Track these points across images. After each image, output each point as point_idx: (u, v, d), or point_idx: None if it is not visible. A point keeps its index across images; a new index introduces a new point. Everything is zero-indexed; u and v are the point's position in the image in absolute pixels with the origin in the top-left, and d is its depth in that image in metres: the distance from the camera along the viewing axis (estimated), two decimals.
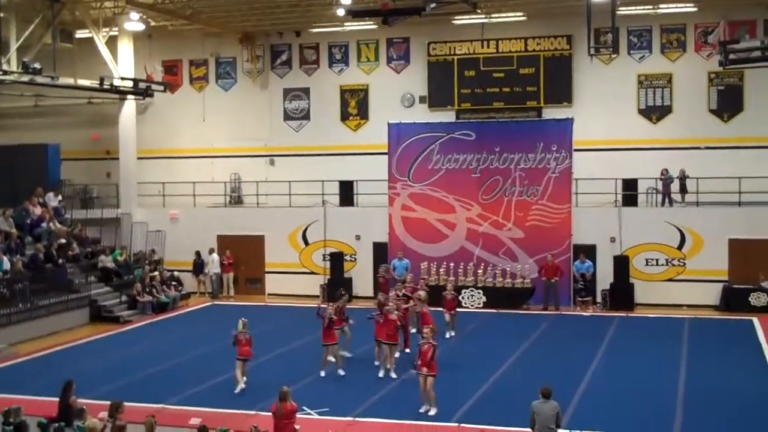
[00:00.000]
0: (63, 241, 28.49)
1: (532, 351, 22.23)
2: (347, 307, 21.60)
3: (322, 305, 20.20)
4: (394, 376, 19.45)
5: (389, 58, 32.52)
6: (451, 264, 28.54)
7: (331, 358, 19.87)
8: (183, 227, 32.19)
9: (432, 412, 16.76)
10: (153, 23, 31.69)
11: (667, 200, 28.61)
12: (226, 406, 17.17)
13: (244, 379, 18.75)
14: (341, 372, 19.75)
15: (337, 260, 30.12)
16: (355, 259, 30.52)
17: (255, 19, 31.38)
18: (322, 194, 30.97)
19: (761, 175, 27.79)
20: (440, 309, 23.21)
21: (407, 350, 21.04)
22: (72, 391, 15.53)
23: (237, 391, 18.46)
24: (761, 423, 15.95)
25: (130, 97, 31.65)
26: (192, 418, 16.11)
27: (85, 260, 28.97)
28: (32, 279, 26.02)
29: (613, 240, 28.15)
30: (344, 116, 33.00)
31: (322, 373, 19.62)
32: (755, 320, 25.21)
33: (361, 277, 29.99)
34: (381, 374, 19.59)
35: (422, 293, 22.05)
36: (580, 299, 27.79)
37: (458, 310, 24.24)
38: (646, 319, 26.23)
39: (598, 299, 27.91)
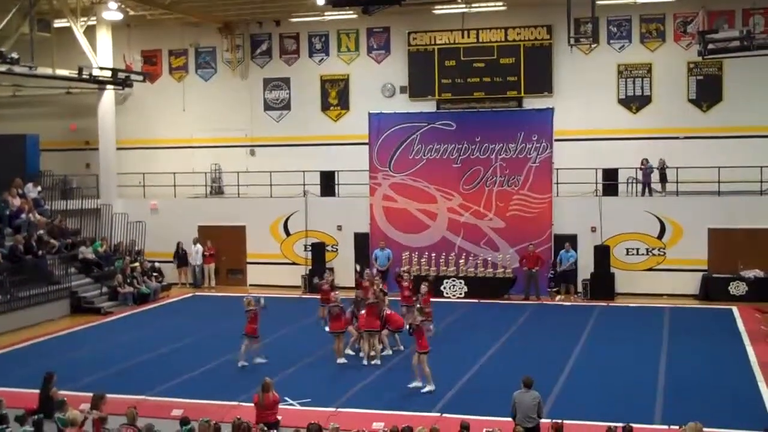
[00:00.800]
0: (42, 232, 28.31)
1: (513, 341, 22.32)
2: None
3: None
4: (370, 362, 19.80)
5: (369, 47, 32.45)
6: (433, 254, 28.59)
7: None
8: (163, 218, 32.07)
9: (426, 389, 17.39)
10: (131, 12, 31.48)
11: (647, 190, 28.75)
12: (208, 397, 17.13)
13: (244, 358, 19.68)
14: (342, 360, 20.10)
15: (318, 251, 30.09)
16: (337, 249, 30.51)
17: (234, 8, 31.24)
18: (303, 184, 30.91)
19: (740, 164, 27.94)
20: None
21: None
22: (53, 383, 15.51)
23: (239, 365, 19.47)
24: (740, 411, 16.06)
25: (109, 87, 31.46)
26: (174, 409, 16.09)
27: (65, 251, 28.80)
28: (12, 270, 25.89)
29: (593, 230, 28.26)
30: (325, 106, 32.92)
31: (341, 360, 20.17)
32: (734, 309, 25.39)
33: (343, 267, 29.94)
34: (365, 362, 19.82)
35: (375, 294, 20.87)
36: (548, 289, 27.92)
37: (437, 300, 24.11)
38: (626, 309, 26.36)
39: (579, 289, 28.04)
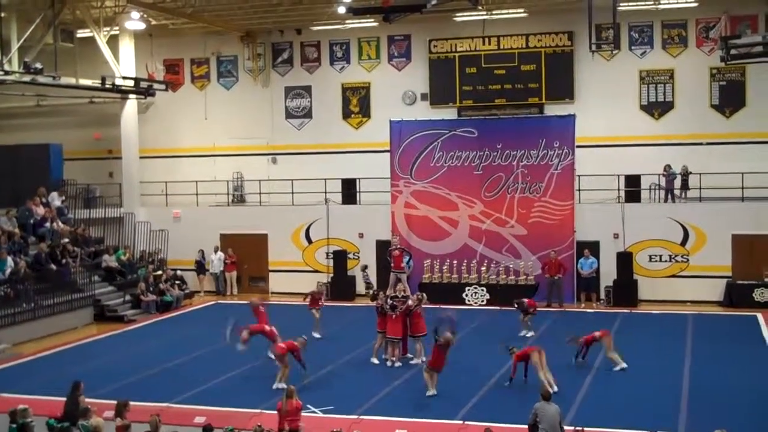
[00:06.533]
0: (66, 240, 28.49)
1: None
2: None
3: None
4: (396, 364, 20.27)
5: (390, 55, 32.50)
6: (455, 261, 28.56)
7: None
8: (186, 226, 32.21)
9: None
10: (154, 22, 31.68)
11: (669, 196, 28.61)
12: (230, 404, 17.18)
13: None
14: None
15: (340, 258, 30.13)
16: (358, 257, 30.54)
17: (256, 17, 31.37)
18: (325, 192, 30.98)
19: (764, 170, 27.80)
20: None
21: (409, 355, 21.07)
22: (80, 391, 15.56)
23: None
24: (766, 418, 15.93)
25: (131, 96, 31.56)
26: (197, 417, 16.12)
27: (88, 260, 28.99)
28: (36, 279, 26.06)
29: (616, 236, 28.13)
30: (346, 114, 32.99)
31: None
32: (759, 316, 25.20)
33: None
34: (389, 363, 20.30)
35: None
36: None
37: (459, 306, 24.09)
38: (650, 316, 26.23)
39: (602, 296, 27.92)
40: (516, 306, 23.39)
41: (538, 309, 23.85)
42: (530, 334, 22.84)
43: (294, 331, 23.68)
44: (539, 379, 17.25)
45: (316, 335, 23.31)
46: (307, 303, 24.34)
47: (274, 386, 18.15)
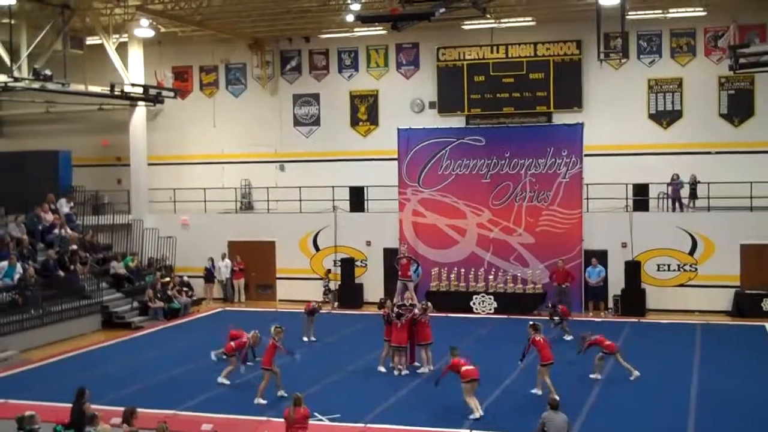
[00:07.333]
0: (74, 247, 28.55)
1: None
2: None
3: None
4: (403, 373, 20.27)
5: (399, 63, 32.54)
6: (462, 270, 28.53)
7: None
8: (194, 233, 32.25)
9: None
10: (163, 30, 31.79)
11: (678, 205, 28.55)
12: (238, 411, 17.17)
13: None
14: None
15: (347, 266, 30.14)
16: (366, 264, 30.53)
17: (265, 25, 31.44)
18: (333, 200, 31.00)
19: None
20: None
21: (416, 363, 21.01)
22: (85, 398, 15.58)
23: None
24: None
25: (140, 103, 31.76)
26: (204, 424, 16.17)
27: (96, 266, 29.05)
28: (44, 285, 26.14)
29: (624, 245, 28.07)
30: (354, 122, 33.03)
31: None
32: (767, 326, 25.11)
33: (372, 282, 30.03)
34: (396, 372, 20.27)
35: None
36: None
37: (467, 315, 24.03)
38: (657, 325, 26.15)
39: (610, 304, 27.88)
40: (550, 309, 23.78)
41: (545, 317, 23.88)
42: (569, 337, 23.21)
43: (296, 335, 23.81)
44: (546, 386, 17.22)
45: (308, 338, 24.29)
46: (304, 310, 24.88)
47: (256, 401, 17.96)
